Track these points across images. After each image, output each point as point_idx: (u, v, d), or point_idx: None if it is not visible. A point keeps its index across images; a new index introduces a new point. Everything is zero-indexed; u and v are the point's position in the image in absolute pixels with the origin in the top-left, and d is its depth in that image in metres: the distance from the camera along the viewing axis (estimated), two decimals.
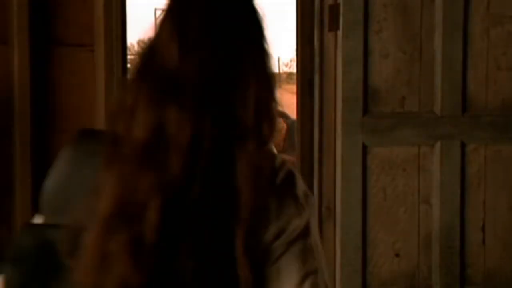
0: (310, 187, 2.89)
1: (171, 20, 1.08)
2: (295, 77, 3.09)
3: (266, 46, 1.08)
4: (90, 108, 2.46)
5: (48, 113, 2.44)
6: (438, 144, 2.75)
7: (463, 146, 2.77)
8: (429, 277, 2.78)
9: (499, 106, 2.81)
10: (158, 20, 1.10)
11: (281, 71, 30.38)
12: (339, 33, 2.70)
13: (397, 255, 2.77)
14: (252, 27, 1.09)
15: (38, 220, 1.22)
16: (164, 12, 1.10)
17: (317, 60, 2.84)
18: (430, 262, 2.78)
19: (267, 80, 1.06)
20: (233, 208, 0.99)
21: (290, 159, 3.15)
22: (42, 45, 2.41)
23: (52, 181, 1.21)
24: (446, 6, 2.70)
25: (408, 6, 2.71)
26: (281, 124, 5.77)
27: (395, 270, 2.77)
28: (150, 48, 1.09)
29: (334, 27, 2.73)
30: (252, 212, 0.99)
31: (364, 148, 2.71)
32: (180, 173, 0.98)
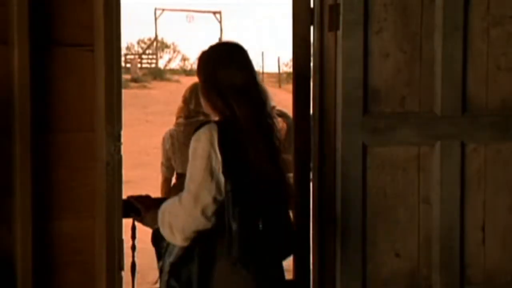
0: (306, 184, 2.90)
1: (227, 56, 2.29)
2: None
3: None
4: (90, 108, 2.46)
5: (48, 113, 2.44)
6: (438, 144, 2.75)
7: (463, 146, 2.77)
8: (429, 277, 2.79)
9: (499, 106, 2.81)
10: (212, 55, 2.32)
11: (281, 70, 30.37)
12: (339, 33, 2.70)
13: (397, 255, 2.77)
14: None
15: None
16: (218, 53, 2.33)
17: (317, 60, 2.84)
18: (430, 262, 2.78)
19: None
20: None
21: (289, 158, 3.15)
22: (42, 45, 2.41)
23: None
24: (446, 6, 2.71)
25: (408, 6, 2.71)
26: (281, 124, 5.76)
27: (395, 270, 2.77)
28: (213, 68, 2.27)
29: (334, 27, 2.73)
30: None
31: (364, 148, 2.71)
32: (267, 125, 2.27)
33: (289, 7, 2.85)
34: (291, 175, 3.24)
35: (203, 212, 2.17)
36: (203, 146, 2.17)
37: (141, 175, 9.90)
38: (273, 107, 6.43)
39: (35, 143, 2.39)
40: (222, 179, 2.17)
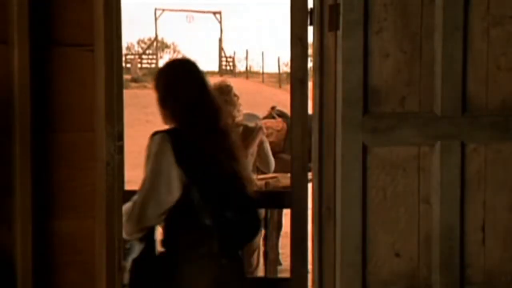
0: (304, 184, 2.90)
1: (185, 71, 2.70)
2: None
3: None
4: (90, 108, 2.46)
5: (48, 113, 2.44)
6: (438, 144, 2.75)
7: (463, 146, 2.77)
8: (429, 277, 2.79)
9: (499, 106, 2.81)
10: (172, 70, 2.76)
11: (281, 70, 30.37)
12: (339, 33, 2.70)
13: (397, 255, 2.77)
14: None
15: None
16: (177, 69, 2.77)
17: (316, 60, 2.84)
18: (430, 262, 2.78)
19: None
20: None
21: (288, 158, 3.14)
22: (42, 45, 2.41)
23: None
24: (446, 6, 2.71)
25: (408, 6, 2.71)
26: (281, 124, 5.76)
27: (395, 270, 2.77)
28: (176, 82, 2.68)
29: (334, 27, 2.73)
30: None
31: (364, 148, 2.71)
32: (221, 128, 2.68)
33: (288, 7, 2.86)
34: (288, 175, 3.33)
35: (151, 212, 2.55)
36: (155, 150, 2.55)
37: (141, 175, 9.89)
38: (273, 107, 6.42)
39: (35, 143, 2.39)
40: (173, 181, 2.52)
